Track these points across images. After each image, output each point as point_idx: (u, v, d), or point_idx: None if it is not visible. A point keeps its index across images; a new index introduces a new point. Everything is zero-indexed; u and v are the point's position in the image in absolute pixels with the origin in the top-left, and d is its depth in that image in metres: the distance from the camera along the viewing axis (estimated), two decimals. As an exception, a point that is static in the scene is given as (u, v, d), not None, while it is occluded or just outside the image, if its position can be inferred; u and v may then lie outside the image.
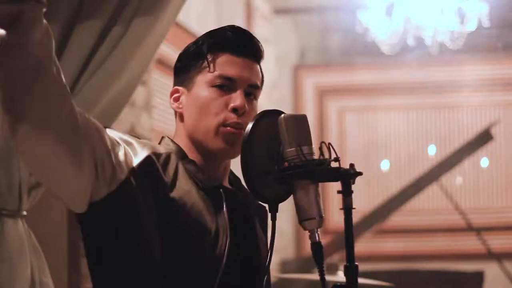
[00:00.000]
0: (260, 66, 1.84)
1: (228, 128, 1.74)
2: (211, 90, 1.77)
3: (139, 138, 1.77)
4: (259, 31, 6.89)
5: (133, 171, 1.64)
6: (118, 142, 1.65)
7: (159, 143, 1.82)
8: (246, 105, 1.76)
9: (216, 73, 1.77)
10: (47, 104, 1.48)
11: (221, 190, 1.77)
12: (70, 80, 2.75)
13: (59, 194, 1.61)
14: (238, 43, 1.79)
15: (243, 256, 1.76)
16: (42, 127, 1.49)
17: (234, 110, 1.75)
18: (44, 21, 1.46)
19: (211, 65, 1.78)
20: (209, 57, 1.78)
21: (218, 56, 1.78)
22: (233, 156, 1.81)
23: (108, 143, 1.60)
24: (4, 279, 2.60)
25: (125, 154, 1.64)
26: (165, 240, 1.67)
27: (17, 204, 2.67)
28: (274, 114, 1.64)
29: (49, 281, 2.70)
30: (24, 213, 2.70)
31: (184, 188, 1.71)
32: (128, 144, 1.68)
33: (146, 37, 2.79)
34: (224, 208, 1.75)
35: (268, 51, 8.16)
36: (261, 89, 1.84)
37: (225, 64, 1.78)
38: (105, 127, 1.67)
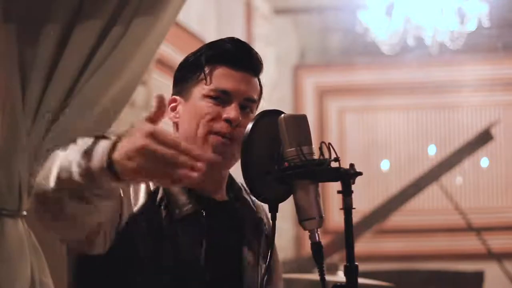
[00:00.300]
0: (259, 79, 1.84)
1: (218, 136, 1.75)
2: (206, 101, 1.77)
3: None
4: (259, 31, 6.89)
5: (132, 218, 1.69)
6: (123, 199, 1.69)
7: None
8: (240, 118, 1.76)
9: (212, 86, 1.77)
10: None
11: (203, 212, 1.77)
12: (70, 80, 2.75)
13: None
14: (236, 56, 1.79)
15: (225, 274, 1.79)
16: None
17: (227, 121, 1.75)
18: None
19: (208, 78, 1.78)
20: (206, 69, 1.79)
21: (215, 69, 1.78)
22: (224, 168, 1.81)
23: (119, 212, 1.65)
24: (4, 279, 2.60)
25: (127, 206, 1.69)
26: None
27: (17, 204, 2.66)
28: (274, 114, 1.64)
29: (49, 281, 2.69)
30: (24, 213, 2.70)
31: (167, 225, 1.74)
32: (128, 192, 1.72)
33: (146, 37, 2.79)
34: (202, 234, 1.76)
35: (268, 51, 8.17)
36: (258, 102, 1.83)
37: (221, 77, 1.78)
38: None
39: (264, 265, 1.85)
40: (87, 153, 1.39)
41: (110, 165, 1.36)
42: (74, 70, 2.74)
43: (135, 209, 1.71)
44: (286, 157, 1.58)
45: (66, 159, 1.43)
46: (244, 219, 1.84)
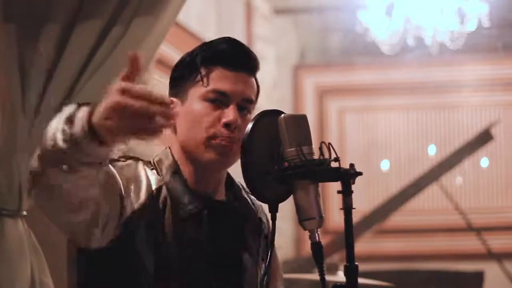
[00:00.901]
0: (255, 79, 1.83)
1: (218, 140, 1.74)
2: (203, 104, 1.76)
3: (136, 159, 1.80)
4: (259, 31, 6.89)
5: (133, 216, 1.69)
6: (126, 193, 1.69)
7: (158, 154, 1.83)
8: (238, 120, 1.75)
9: (209, 87, 1.76)
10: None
11: (205, 212, 1.77)
12: (70, 80, 2.75)
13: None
14: (232, 56, 1.78)
15: (225, 275, 1.79)
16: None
17: (226, 125, 1.74)
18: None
19: (205, 79, 1.77)
20: (203, 71, 1.77)
21: (211, 70, 1.77)
22: (226, 167, 1.82)
23: (119, 203, 1.66)
24: (4, 279, 2.60)
25: (130, 203, 1.70)
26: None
27: (17, 204, 2.67)
28: (274, 114, 1.64)
29: (49, 281, 2.70)
30: (24, 213, 2.70)
31: (170, 224, 1.73)
32: (129, 190, 1.72)
33: (146, 37, 2.79)
34: (204, 234, 1.76)
35: (268, 51, 8.16)
36: (255, 103, 1.82)
37: (218, 78, 1.76)
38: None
39: (263, 265, 1.85)
40: (70, 119, 1.43)
41: (91, 128, 1.40)
42: (74, 70, 2.74)
43: (136, 206, 1.71)
44: (286, 157, 1.58)
45: (50, 128, 1.47)
46: (244, 219, 1.84)
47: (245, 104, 1.78)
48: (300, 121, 1.60)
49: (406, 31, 6.51)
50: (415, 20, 6.47)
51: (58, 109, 2.83)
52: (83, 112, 1.42)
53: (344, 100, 7.83)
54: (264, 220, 1.90)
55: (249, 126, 1.63)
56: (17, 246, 2.62)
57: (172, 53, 4.86)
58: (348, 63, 7.77)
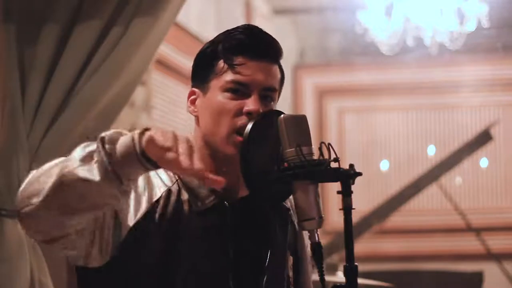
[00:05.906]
0: (279, 65, 1.79)
1: (240, 137, 1.69)
2: (224, 95, 1.72)
3: None
4: (259, 31, 6.89)
5: (131, 229, 1.66)
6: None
7: None
8: (260, 109, 1.71)
9: (229, 78, 1.72)
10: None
11: (226, 204, 1.72)
12: (70, 80, 2.75)
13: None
14: (252, 46, 1.74)
15: (252, 266, 1.75)
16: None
17: (248, 114, 1.70)
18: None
19: (224, 70, 1.73)
20: (222, 62, 1.74)
21: (231, 60, 1.73)
22: None
23: (111, 219, 1.63)
24: (3, 279, 2.61)
25: (124, 215, 1.66)
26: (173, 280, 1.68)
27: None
28: (274, 114, 1.63)
29: (49, 281, 2.70)
30: (24, 213, 2.70)
31: (186, 227, 1.70)
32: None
33: (146, 37, 2.80)
34: (229, 226, 1.72)
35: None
36: (280, 89, 1.79)
37: (238, 69, 1.73)
38: None
39: (290, 256, 1.83)
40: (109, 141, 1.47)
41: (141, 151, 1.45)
42: (74, 70, 2.74)
43: (139, 216, 1.67)
44: (285, 157, 1.58)
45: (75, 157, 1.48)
46: (269, 212, 1.80)
47: (267, 93, 1.74)
48: (299, 121, 1.60)
49: (405, 32, 6.51)
50: (414, 20, 6.47)
51: (59, 109, 2.84)
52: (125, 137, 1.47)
53: (344, 100, 7.83)
54: (290, 208, 1.86)
55: (249, 126, 1.62)
56: (17, 246, 2.63)
57: (172, 53, 4.87)
58: (348, 63, 7.77)
